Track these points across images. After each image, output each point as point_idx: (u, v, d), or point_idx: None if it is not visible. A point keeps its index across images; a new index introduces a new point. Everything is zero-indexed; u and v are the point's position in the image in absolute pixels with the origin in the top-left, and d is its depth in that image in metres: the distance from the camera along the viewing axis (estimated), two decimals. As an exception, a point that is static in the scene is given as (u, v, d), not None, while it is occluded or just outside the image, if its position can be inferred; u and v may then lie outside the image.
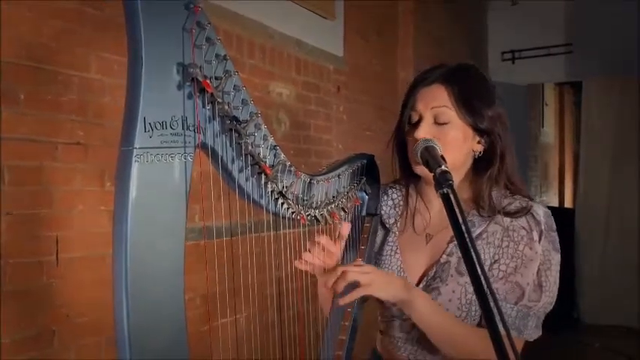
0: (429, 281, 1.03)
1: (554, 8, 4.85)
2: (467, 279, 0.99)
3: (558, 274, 0.99)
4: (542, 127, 6.99)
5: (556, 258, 0.98)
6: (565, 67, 4.92)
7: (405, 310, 0.95)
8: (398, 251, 1.09)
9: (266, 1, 2.43)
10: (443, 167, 0.81)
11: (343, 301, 0.91)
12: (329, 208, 0.98)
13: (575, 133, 7.00)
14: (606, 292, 4.68)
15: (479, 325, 0.99)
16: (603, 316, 4.65)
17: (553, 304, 0.99)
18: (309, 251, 0.99)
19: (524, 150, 5.70)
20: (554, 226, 1.00)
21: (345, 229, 1.01)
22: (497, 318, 0.66)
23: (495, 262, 0.99)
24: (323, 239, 1.00)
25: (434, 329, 0.95)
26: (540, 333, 1.00)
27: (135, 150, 0.64)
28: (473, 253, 0.70)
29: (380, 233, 1.14)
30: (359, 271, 0.91)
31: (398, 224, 1.12)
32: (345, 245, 1.10)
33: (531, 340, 0.99)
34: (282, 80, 2.57)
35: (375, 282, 0.91)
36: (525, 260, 0.97)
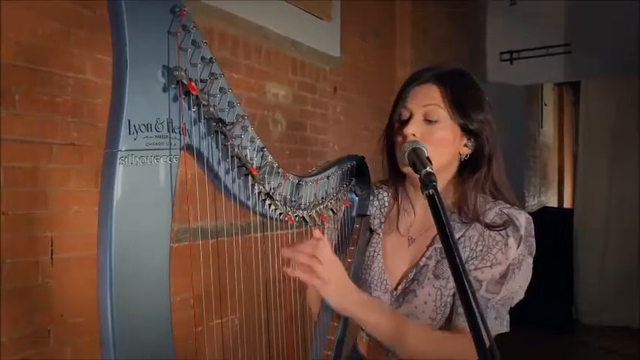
0: (407, 283, 1.04)
1: (552, 8, 4.85)
2: (442, 282, 1.00)
3: (528, 275, 0.99)
4: (541, 127, 7.00)
5: (528, 260, 0.99)
6: (564, 67, 4.92)
7: (362, 325, 0.95)
8: (380, 253, 1.09)
9: (262, 1, 2.43)
10: (428, 169, 0.81)
11: (292, 272, 0.85)
12: (317, 209, 0.98)
13: (574, 133, 7.00)
14: (606, 292, 4.67)
15: (448, 321, 1.00)
16: (603, 316, 4.64)
17: (514, 299, 0.99)
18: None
19: (523, 150, 5.70)
20: (533, 232, 1.01)
21: (317, 234, 1.00)
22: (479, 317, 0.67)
23: (465, 262, 1.00)
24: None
25: (386, 340, 0.94)
26: (507, 329, 0.99)
27: (119, 152, 0.64)
28: (455, 254, 0.71)
29: (367, 234, 1.14)
30: (325, 263, 0.85)
31: (383, 226, 1.13)
32: (335, 247, 1.11)
33: (495, 333, 0.97)
34: (278, 81, 2.58)
35: (330, 284, 0.86)
36: (494, 263, 0.98)
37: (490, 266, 0.97)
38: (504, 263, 0.97)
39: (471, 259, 1.00)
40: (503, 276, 0.97)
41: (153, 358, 0.69)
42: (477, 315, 0.67)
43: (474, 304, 0.68)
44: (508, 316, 1.01)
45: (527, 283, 1.00)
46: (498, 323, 0.99)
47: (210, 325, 0.93)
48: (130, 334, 0.66)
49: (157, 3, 0.68)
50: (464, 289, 0.70)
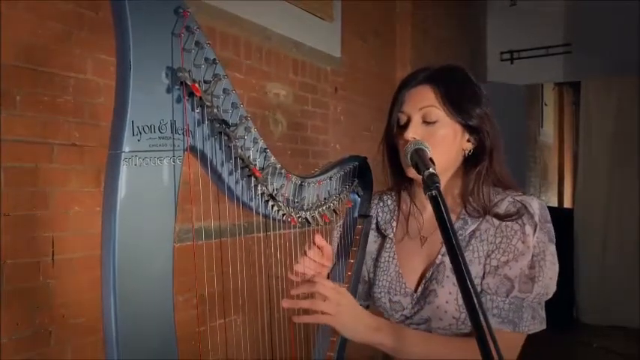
0: (426, 283, 1.02)
1: (552, 8, 4.85)
2: None
3: (555, 265, 0.98)
4: (542, 127, 7.01)
5: (551, 248, 0.98)
6: (564, 67, 4.93)
7: (378, 348, 0.95)
8: (395, 257, 1.09)
9: (263, 2, 2.44)
10: (430, 170, 0.81)
11: (299, 319, 0.88)
12: (320, 210, 0.98)
13: (574, 133, 7.01)
14: (605, 292, 4.68)
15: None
16: (602, 316, 4.64)
17: (549, 294, 0.98)
18: (301, 260, 0.99)
19: (523, 150, 5.70)
20: (549, 217, 1.00)
21: (318, 239, 1.01)
22: (482, 318, 0.67)
23: (488, 257, 0.99)
24: (311, 252, 1.00)
25: (415, 357, 0.95)
26: (543, 326, 0.98)
27: (123, 154, 0.64)
28: (459, 255, 0.71)
29: (377, 240, 1.14)
30: (330, 298, 0.87)
31: (394, 230, 1.12)
32: (338, 247, 1.11)
33: (530, 332, 0.97)
34: (279, 81, 2.58)
35: (340, 315, 0.88)
36: (517, 254, 0.97)
37: (515, 259, 0.96)
38: (527, 253, 0.96)
39: (492, 252, 0.98)
40: (532, 268, 0.96)
41: (156, 358, 0.69)
42: (481, 316, 0.67)
43: (477, 304, 0.68)
44: (544, 313, 0.99)
45: (557, 273, 0.98)
46: (537, 322, 0.98)
47: (214, 325, 0.93)
48: (133, 334, 0.66)
49: (160, 4, 0.68)
50: (466, 290, 0.70)
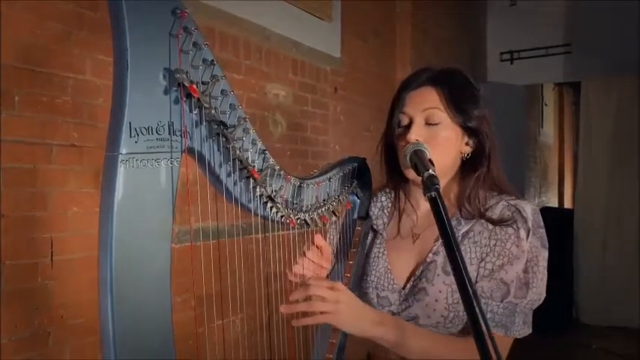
0: (416, 281, 1.03)
1: (553, 8, 4.85)
2: (453, 279, 0.98)
3: (546, 270, 0.98)
4: (542, 127, 7.00)
5: (543, 254, 0.98)
6: (564, 67, 4.93)
7: (380, 342, 0.94)
8: (385, 252, 1.09)
9: (263, 2, 2.43)
10: (430, 171, 0.81)
11: (297, 323, 0.87)
12: (319, 211, 0.98)
13: (574, 133, 7.01)
14: (605, 292, 4.68)
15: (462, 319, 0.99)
16: (602, 316, 4.64)
17: (541, 300, 0.99)
18: (300, 261, 0.99)
19: (523, 150, 5.70)
20: (542, 223, 1.00)
21: (318, 239, 1.01)
22: (482, 320, 0.66)
23: (482, 260, 0.99)
24: (310, 253, 1.00)
25: (414, 355, 0.94)
26: (530, 331, 0.99)
27: (120, 155, 0.64)
28: (458, 256, 0.71)
29: (369, 236, 1.14)
30: (327, 297, 0.86)
31: (386, 226, 1.12)
32: (337, 249, 1.10)
33: (519, 337, 0.98)
34: (278, 81, 2.58)
35: (340, 313, 0.86)
36: (512, 258, 0.97)
37: (510, 263, 0.96)
38: (522, 257, 0.97)
39: (487, 255, 0.99)
40: (526, 273, 0.96)
41: (154, 358, 0.69)
42: (479, 315, 0.67)
43: (475, 305, 0.68)
44: (531, 318, 1.00)
45: (546, 280, 0.98)
46: (526, 327, 0.98)
47: (212, 326, 0.92)
48: (131, 335, 0.66)
49: (158, 4, 0.68)
50: (465, 290, 0.70)
